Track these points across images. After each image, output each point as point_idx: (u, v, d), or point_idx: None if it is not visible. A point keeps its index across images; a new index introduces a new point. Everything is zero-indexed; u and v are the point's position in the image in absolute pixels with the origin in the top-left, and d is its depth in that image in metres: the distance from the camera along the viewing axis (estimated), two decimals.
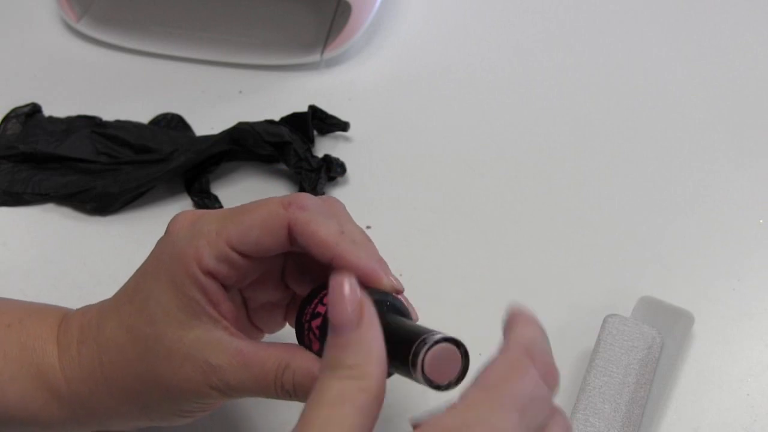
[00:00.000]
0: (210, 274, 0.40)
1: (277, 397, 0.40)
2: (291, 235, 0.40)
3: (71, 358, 0.43)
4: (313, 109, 0.63)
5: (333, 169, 0.61)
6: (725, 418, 0.50)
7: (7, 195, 0.59)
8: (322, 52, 0.69)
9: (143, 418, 0.43)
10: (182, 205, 0.60)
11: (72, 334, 0.43)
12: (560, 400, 0.50)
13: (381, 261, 0.41)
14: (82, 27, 0.71)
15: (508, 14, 0.77)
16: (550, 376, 0.36)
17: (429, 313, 0.55)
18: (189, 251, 0.40)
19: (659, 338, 0.49)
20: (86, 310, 0.45)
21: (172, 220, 0.43)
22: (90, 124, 0.63)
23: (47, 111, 0.65)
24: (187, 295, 0.40)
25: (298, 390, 0.39)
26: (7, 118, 0.63)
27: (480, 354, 0.52)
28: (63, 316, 0.45)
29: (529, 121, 0.67)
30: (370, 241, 0.42)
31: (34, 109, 0.64)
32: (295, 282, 0.44)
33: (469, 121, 0.67)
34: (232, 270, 0.41)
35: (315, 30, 0.72)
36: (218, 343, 0.40)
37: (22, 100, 0.65)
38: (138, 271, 0.43)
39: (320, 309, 0.40)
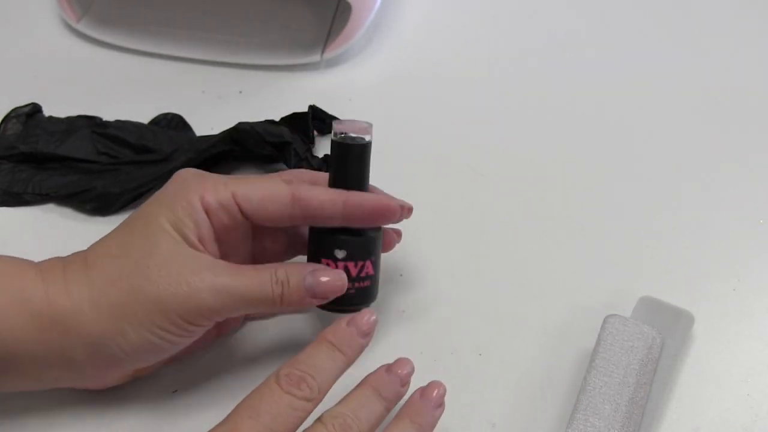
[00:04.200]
0: (207, 212, 0.45)
1: (270, 295, 0.44)
2: (296, 205, 0.46)
3: (55, 279, 0.44)
4: (314, 109, 0.64)
5: None
6: (725, 418, 0.50)
7: (8, 195, 0.59)
8: (323, 52, 0.69)
9: (122, 344, 0.43)
10: None
11: (55, 262, 0.45)
12: (561, 400, 0.50)
13: (388, 197, 0.49)
14: (82, 27, 0.71)
15: (507, 14, 0.77)
16: None
17: (429, 312, 0.55)
18: (195, 187, 0.45)
19: (659, 338, 0.49)
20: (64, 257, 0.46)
21: (176, 173, 0.47)
22: (90, 124, 0.63)
23: (47, 111, 0.65)
24: (180, 220, 0.44)
25: (290, 279, 0.45)
26: (7, 118, 0.63)
27: (480, 354, 0.52)
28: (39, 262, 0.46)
29: (529, 120, 0.67)
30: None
31: (34, 109, 0.64)
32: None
33: (470, 120, 0.67)
34: (228, 221, 0.45)
35: (315, 30, 0.72)
36: (212, 262, 0.44)
37: (22, 100, 0.65)
38: (137, 209, 0.47)
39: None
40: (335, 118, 0.64)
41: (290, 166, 0.60)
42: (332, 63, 0.70)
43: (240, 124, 0.60)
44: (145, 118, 0.65)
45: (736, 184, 0.63)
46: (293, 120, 0.62)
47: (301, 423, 0.40)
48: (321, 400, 0.41)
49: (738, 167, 0.64)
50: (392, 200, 0.48)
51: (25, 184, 0.60)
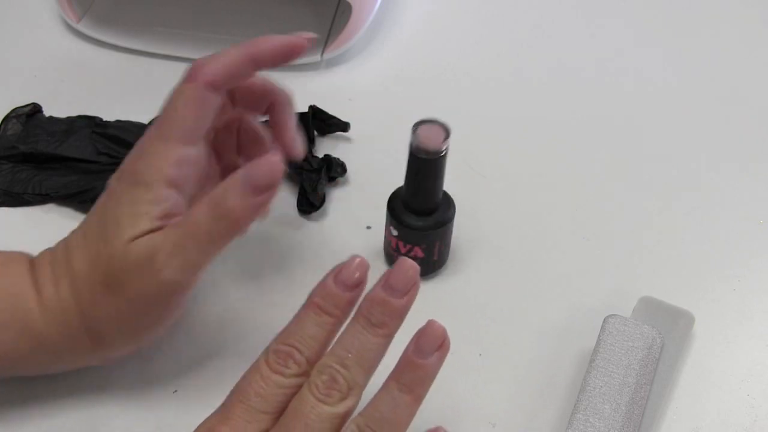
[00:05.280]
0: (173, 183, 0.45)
1: (217, 227, 0.43)
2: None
3: (49, 298, 0.45)
4: (314, 110, 0.63)
5: (333, 170, 0.61)
6: (725, 418, 0.50)
7: (8, 195, 0.59)
8: (323, 53, 0.69)
9: (117, 344, 0.46)
10: None
11: (45, 273, 0.45)
12: (561, 400, 0.50)
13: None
14: (83, 27, 0.71)
15: (507, 14, 0.77)
16: None
17: (428, 313, 0.55)
18: (154, 149, 0.46)
19: (659, 338, 0.49)
20: (53, 247, 0.47)
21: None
22: (90, 124, 0.63)
23: (47, 111, 0.65)
24: (145, 210, 0.44)
25: (227, 194, 0.43)
26: (7, 118, 0.63)
27: (480, 354, 0.52)
28: (31, 259, 0.47)
29: (529, 120, 0.67)
30: None
31: (34, 109, 0.64)
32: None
33: (470, 120, 0.67)
34: (189, 169, 0.46)
35: (315, 30, 0.71)
36: (170, 243, 0.44)
37: (22, 100, 0.65)
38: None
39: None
40: (335, 117, 0.64)
41: (290, 166, 0.59)
42: (332, 63, 0.70)
43: None
44: (145, 118, 0.64)
45: (736, 184, 0.63)
46: None
47: (291, 397, 0.39)
48: (311, 370, 0.40)
49: (738, 167, 0.64)
50: (295, 38, 0.48)
51: (25, 184, 0.60)
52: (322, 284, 0.41)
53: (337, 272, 0.41)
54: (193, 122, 0.46)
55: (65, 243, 0.47)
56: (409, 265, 0.41)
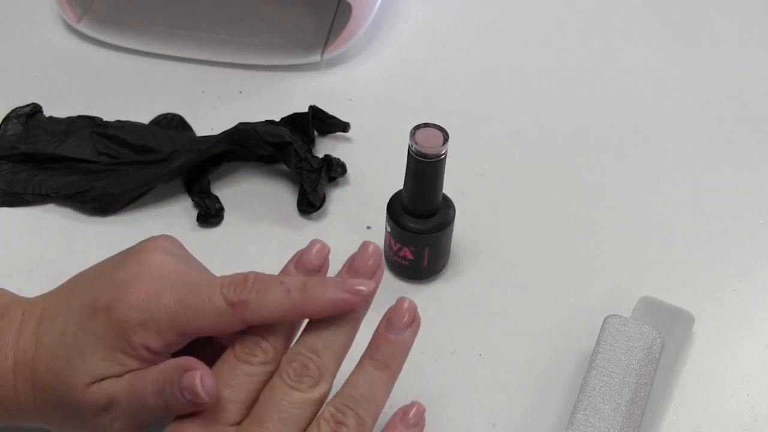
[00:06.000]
0: (154, 351, 0.40)
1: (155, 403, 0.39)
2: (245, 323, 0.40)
3: (8, 394, 0.42)
4: (314, 110, 0.64)
5: (333, 170, 0.61)
6: (725, 418, 0.50)
7: (8, 195, 0.59)
8: (323, 53, 0.69)
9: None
10: (183, 205, 0.60)
11: (7, 365, 0.42)
12: (561, 400, 0.50)
13: (330, 284, 0.40)
14: (83, 27, 0.71)
15: (508, 14, 0.77)
16: None
17: (429, 312, 0.55)
18: (139, 335, 0.40)
19: (659, 338, 0.49)
20: (21, 330, 0.42)
21: (124, 291, 0.40)
22: (90, 124, 0.63)
23: (48, 111, 0.65)
24: (120, 360, 0.40)
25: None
26: (7, 118, 0.63)
27: (480, 354, 0.52)
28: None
29: (529, 121, 0.67)
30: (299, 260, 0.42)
31: (34, 110, 0.64)
32: None
33: (470, 120, 0.67)
34: (178, 345, 0.41)
35: (315, 30, 0.72)
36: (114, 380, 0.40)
37: (22, 100, 0.65)
38: (78, 305, 0.42)
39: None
40: (335, 118, 0.64)
41: (291, 167, 0.60)
42: (332, 63, 0.70)
43: (240, 124, 0.60)
44: (145, 118, 0.65)
45: (736, 185, 0.63)
46: (293, 120, 0.62)
47: (263, 386, 0.39)
48: (280, 359, 0.39)
49: (738, 167, 0.64)
50: (343, 294, 0.40)
51: (25, 184, 0.60)
52: (283, 272, 0.41)
53: (298, 259, 0.41)
54: (207, 331, 0.40)
55: (35, 332, 0.42)
56: (372, 249, 0.41)
